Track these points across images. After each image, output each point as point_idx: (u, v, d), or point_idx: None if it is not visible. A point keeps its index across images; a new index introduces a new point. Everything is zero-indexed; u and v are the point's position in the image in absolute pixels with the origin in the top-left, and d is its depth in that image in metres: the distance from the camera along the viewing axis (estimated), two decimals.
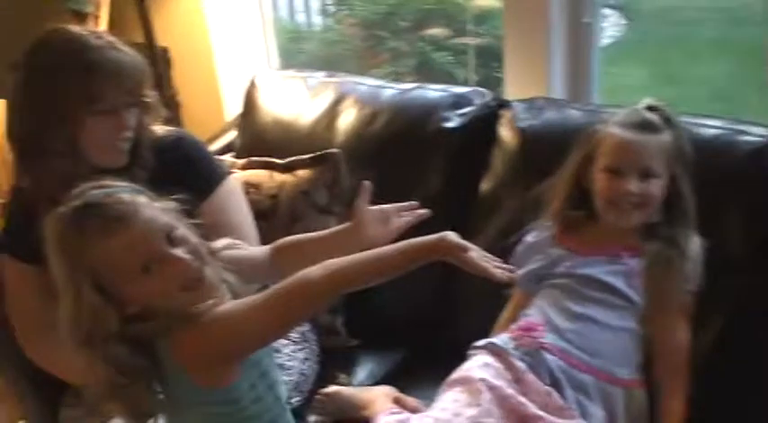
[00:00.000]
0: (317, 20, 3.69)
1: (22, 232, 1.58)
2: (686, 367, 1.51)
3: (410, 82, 2.19)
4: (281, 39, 3.44)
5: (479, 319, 1.75)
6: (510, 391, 1.46)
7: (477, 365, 1.52)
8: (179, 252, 1.16)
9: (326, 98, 2.13)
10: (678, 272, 1.51)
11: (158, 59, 2.48)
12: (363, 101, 2.08)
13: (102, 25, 2.65)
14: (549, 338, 1.52)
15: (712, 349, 1.55)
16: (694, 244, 1.54)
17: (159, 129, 1.75)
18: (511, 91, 2.18)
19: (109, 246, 1.12)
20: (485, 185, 1.91)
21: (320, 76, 2.20)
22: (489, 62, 2.94)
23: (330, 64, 3.58)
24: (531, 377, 1.48)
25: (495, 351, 1.53)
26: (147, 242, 1.14)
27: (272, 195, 1.95)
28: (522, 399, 1.45)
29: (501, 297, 1.69)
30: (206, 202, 1.74)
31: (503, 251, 1.67)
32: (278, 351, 1.75)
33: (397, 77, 3.31)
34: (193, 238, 1.20)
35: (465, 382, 1.50)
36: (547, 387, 1.47)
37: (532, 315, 1.59)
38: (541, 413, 1.44)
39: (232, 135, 2.29)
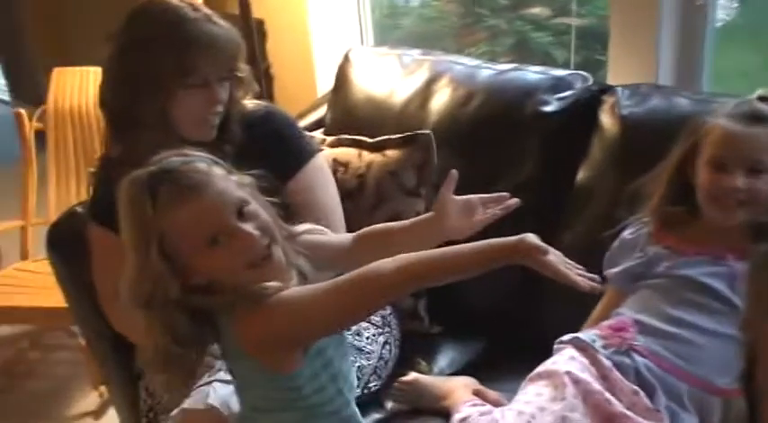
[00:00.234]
0: None
1: (108, 201, 1.59)
2: None
3: (506, 62, 2.12)
4: (378, 14, 3.41)
5: (567, 314, 1.66)
6: (596, 386, 1.40)
7: (563, 359, 1.46)
8: (248, 227, 1.13)
9: (420, 77, 2.07)
10: None
11: (253, 31, 2.46)
12: (458, 81, 2.01)
13: None
14: (640, 340, 1.44)
15: None
16: None
17: (249, 103, 1.73)
18: (615, 75, 2.09)
19: (179, 214, 1.11)
20: (581, 174, 1.82)
21: (415, 53, 2.15)
22: (591, 44, 2.83)
23: (426, 41, 3.53)
24: (617, 375, 1.42)
25: (581, 346, 1.47)
26: (218, 214, 1.12)
27: (359, 175, 1.91)
28: (609, 396, 1.39)
29: (592, 295, 1.61)
30: (293, 180, 1.72)
31: (596, 245, 1.62)
32: (359, 334, 1.72)
33: (494, 57, 3.23)
34: (265, 215, 1.18)
35: (549, 375, 1.45)
36: (634, 386, 1.40)
37: (624, 315, 1.51)
38: (629, 412, 1.37)
39: (323, 111, 2.25)
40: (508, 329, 1.88)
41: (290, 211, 1.71)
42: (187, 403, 1.46)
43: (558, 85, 1.89)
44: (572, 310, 1.65)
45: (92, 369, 2.47)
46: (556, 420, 1.37)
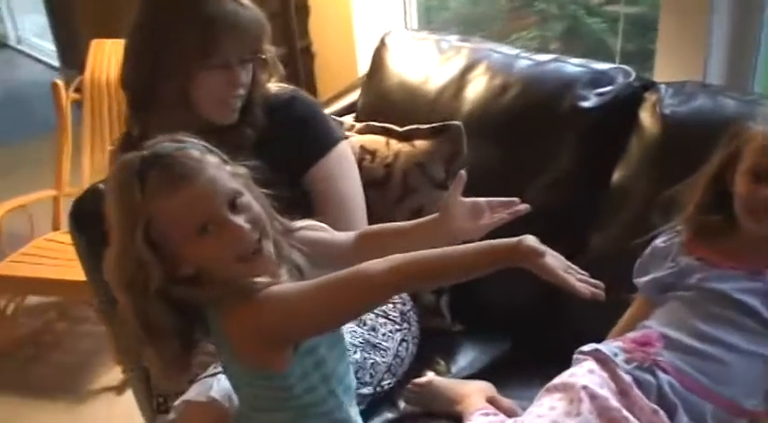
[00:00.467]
0: None
1: None
2: None
3: (554, 49, 2.03)
4: None
5: (594, 319, 1.57)
6: (614, 403, 1.32)
7: (581, 372, 1.38)
8: (239, 219, 1.10)
9: (457, 64, 1.99)
10: None
11: (290, 8, 2.40)
12: (495, 70, 1.93)
13: None
14: (664, 356, 1.36)
15: None
16: None
17: (274, 87, 1.68)
18: (662, 70, 1.98)
19: (168, 201, 1.08)
20: (617, 174, 1.74)
21: (453, 39, 2.07)
22: (646, 32, 2.71)
23: (473, 24, 3.43)
24: (637, 392, 1.34)
25: (602, 359, 1.39)
26: (208, 203, 1.09)
27: (386, 164, 1.85)
28: (627, 413, 1.31)
29: (621, 299, 1.54)
30: (315, 167, 1.67)
31: (627, 250, 1.54)
32: (374, 330, 1.67)
33: (543, 42, 3.13)
34: (258, 208, 1.14)
35: (566, 388, 1.37)
36: (653, 405, 1.32)
37: (651, 327, 1.43)
38: None
39: (357, 95, 2.19)
40: (533, 331, 1.81)
41: (310, 200, 1.69)
42: (189, 394, 1.43)
43: (598, 80, 1.80)
44: (600, 314, 1.57)
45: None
46: None
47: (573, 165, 1.79)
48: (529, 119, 1.84)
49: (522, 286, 1.78)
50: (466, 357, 1.80)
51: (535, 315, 1.83)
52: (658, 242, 1.49)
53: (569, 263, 1.14)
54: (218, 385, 1.39)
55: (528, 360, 1.74)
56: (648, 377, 1.35)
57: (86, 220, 1.86)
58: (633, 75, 1.80)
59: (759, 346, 1.35)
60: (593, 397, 1.33)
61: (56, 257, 2.55)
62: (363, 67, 2.70)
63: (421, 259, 1.08)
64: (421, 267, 1.08)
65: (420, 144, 1.83)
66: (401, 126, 1.90)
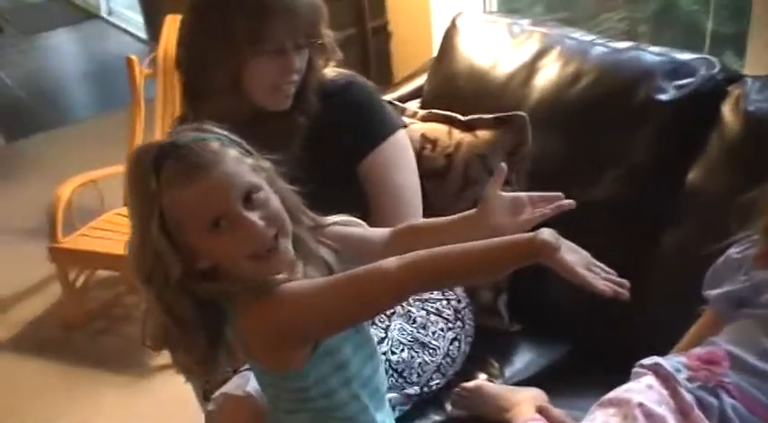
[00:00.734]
0: None
1: None
2: None
3: (644, 31, 1.90)
4: None
5: (662, 327, 1.50)
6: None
7: (639, 387, 1.29)
8: (253, 215, 1.05)
9: (528, 50, 1.89)
10: None
11: None
12: (568, 57, 1.82)
13: None
14: (730, 377, 1.26)
15: None
16: None
17: (331, 72, 1.63)
18: (754, 62, 1.83)
19: (182, 192, 1.04)
20: (694, 173, 1.62)
21: (525, 23, 1.96)
22: (743, 15, 2.54)
23: (561, 3, 3.30)
24: (697, 413, 1.24)
25: (663, 375, 1.30)
26: (222, 196, 1.05)
27: (447, 154, 1.77)
28: None
29: (694, 308, 1.43)
30: (370, 156, 1.61)
31: (698, 254, 1.43)
32: (424, 328, 1.60)
33: (632, 24, 2.98)
34: (277, 204, 1.09)
35: (620, 403, 1.28)
36: None
37: (719, 344, 1.32)
38: None
39: (423, 79, 2.11)
40: (596, 337, 1.71)
41: (365, 190, 1.63)
42: (229, 387, 1.40)
43: (678, 71, 1.67)
44: (669, 322, 1.48)
45: None
46: None
47: (647, 159, 1.68)
48: (602, 110, 1.73)
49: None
50: (521, 360, 1.73)
51: (599, 320, 1.72)
52: (733, 252, 1.37)
53: (593, 259, 1.08)
54: (254, 380, 1.35)
55: (587, 367, 1.65)
56: (712, 399, 1.25)
57: None
58: (718, 66, 1.66)
59: None
60: (649, 415, 1.24)
61: (125, 232, 2.54)
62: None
63: (437, 256, 1.02)
64: (437, 264, 1.02)
65: (483, 134, 1.75)
66: (467, 114, 1.81)
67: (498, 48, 1.94)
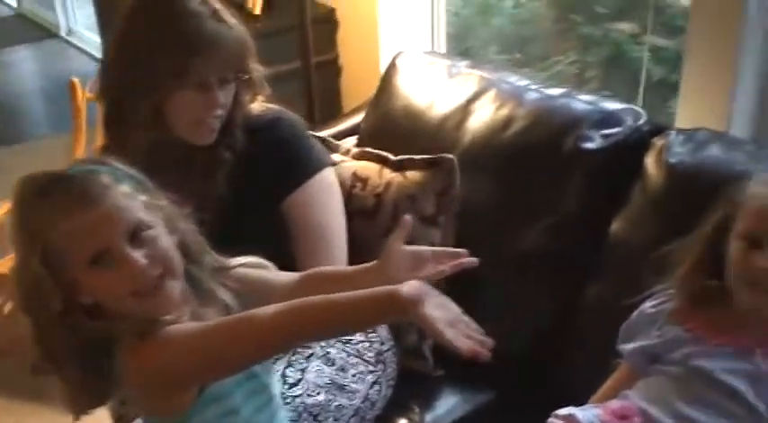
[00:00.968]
0: None
1: None
2: None
3: (593, 75, 1.91)
4: (468, 11, 3.23)
5: (586, 376, 1.49)
6: None
7: None
8: (136, 253, 1.03)
9: (465, 92, 1.89)
10: None
11: (305, 24, 2.32)
12: (502, 101, 1.82)
13: None
14: None
15: None
16: None
17: (259, 107, 1.61)
18: (684, 116, 1.84)
19: (65, 223, 1.02)
20: (617, 224, 1.62)
21: (463, 65, 1.96)
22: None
23: (514, 44, 3.33)
24: None
25: None
26: (105, 231, 1.03)
27: (377, 194, 1.75)
28: None
29: (614, 362, 1.43)
30: (294, 193, 1.59)
31: (620, 307, 1.42)
32: (343, 370, 1.58)
33: (583, 67, 3.01)
34: (168, 243, 1.07)
35: None
36: None
37: (632, 399, 1.31)
38: None
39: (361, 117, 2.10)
40: (522, 382, 1.70)
41: (287, 228, 1.61)
42: None
43: (605, 120, 1.67)
44: (595, 374, 1.47)
45: None
46: None
47: (574, 209, 1.68)
48: (531, 156, 1.73)
49: (521, 331, 1.72)
50: (444, 405, 1.71)
51: (525, 367, 1.71)
52: (647, 306, 1.37)
53: (462, 316, 1.05)
54: None
55: (511, 415, 1.64)
56: None
57: None
58: (644, 117, 1.67)
59: None
60: None
61: None
62: None
63: (305, 306, 1.01)
64: (303, 314, 1.01)
65: (413, 175, 1.74)
66: (402, 153, 1.80)
67: (436, 88, 1.94)
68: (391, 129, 1.96)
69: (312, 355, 1.57)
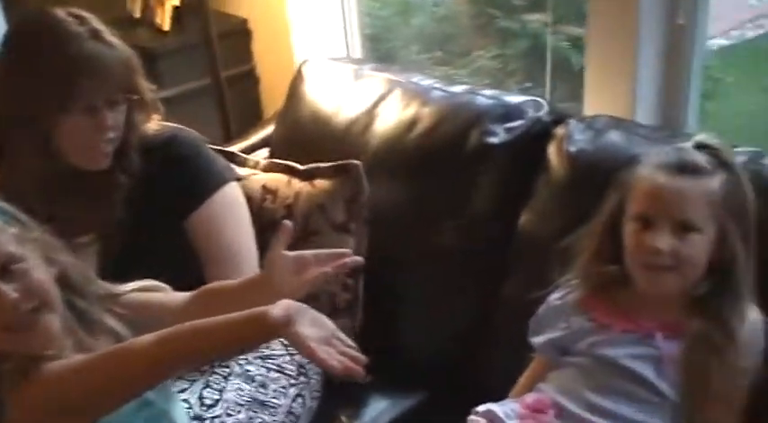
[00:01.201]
0: None
1: None
2: None
3: (516, 68, 1.90)
4: (389, 11, 3.22)
5: (508, 373, 1.49)
6: None
7: None
8: (6, 287, 1.01)
9: (370, 96, 1.87)
10: (724, 360, 1.19)
11: (212, 38, 2.28)
12: (407, 102, 1.81)
13: None
14: None
15: None
16: (752, 323, 1.21)
17: (153, 126, 1.58)
18: (591, 104, 1.84)
19: None
20: (524, 217, 1.62)
21: (368, 68, 1.96)
22: None
23: (434, 42, 3.33)
24: None
25: (495, 421, 1.31)
26: None
27: (286, 205, 1.73)
28: None
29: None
30: (196, 211, 1.56)
31: (531, 302, 1.43)
32: (264, 386, 1.55)
33: (504, 61, 3.02)
34: (42, 276, 1.05)
35: None
36: None
37: (545, 392, 1.32)
38: None
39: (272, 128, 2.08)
40: (447, 382, 1.69)
41: (193, 248, 1.58)
42: None
43: (507, 114, 1.67)
44: (518, 367, 1.47)
45: None
46: None
47: (485, 205, 1.67)
48: (438, 155, 1.72)
49: (443, 332, 1.71)
50: (373, 411, 1.69)
51: (451, 367, 1.71)
52: (553, 298, 1.38)
53: (338, 333, 1.05)
54: None
55: (441, 416, 1.62)
56: None
57: None
58: (545, 108, 1.67)
59: (653, 417, 1.23)
60: None
61: None
62: None
63: (180, 334, 1.01)
64: (178, 340, 1.01)
65: (321, 184, 1.72)
66: (312, 161, 1.78)
67: (342, 94, 1.92)
68: (300, 137, 1.94)
69: (231, 373, 1.54)
